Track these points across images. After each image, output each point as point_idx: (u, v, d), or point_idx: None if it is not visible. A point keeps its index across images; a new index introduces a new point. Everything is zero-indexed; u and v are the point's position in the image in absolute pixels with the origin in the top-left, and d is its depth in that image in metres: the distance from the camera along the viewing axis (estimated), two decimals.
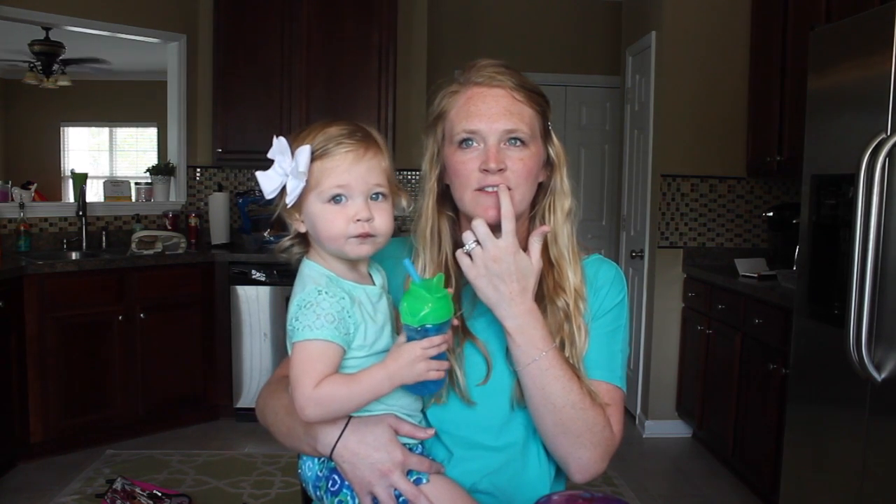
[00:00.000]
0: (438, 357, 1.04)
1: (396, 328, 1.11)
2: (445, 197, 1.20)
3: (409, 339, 1.03)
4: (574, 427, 1.11)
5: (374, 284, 1.11)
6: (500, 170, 1.11)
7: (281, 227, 1.13)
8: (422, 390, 1.08)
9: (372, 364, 1.04)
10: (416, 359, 1.01)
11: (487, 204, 1.12)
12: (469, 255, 1.10)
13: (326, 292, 1.02)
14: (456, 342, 1.14)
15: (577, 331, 1.16)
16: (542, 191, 1.21)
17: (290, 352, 1.06)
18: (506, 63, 1.17)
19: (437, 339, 1.02)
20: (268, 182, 1.04)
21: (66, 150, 9.65)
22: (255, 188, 4.38)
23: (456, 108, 1.16)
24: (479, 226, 1.08)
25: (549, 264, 1.18)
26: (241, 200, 4.44)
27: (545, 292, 1.17)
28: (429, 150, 1.20)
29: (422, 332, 1.02)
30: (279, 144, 1.03)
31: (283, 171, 1.03)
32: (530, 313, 1.10)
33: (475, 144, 1.13)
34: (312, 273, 1.07)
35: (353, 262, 1.09)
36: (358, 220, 1.04)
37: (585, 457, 1.14)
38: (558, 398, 1.10)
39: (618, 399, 1.19)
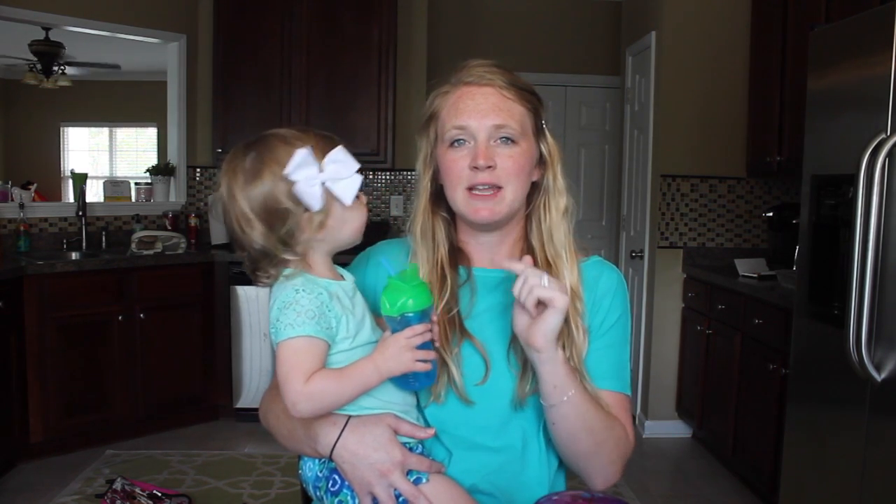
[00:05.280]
0: (425, 347, 1.05)
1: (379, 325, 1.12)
2: (440, 197, 1.21)
3: (394, 332, 1.05)
4: (607, 445, 1.14)
5: (346, 280, 1.12)
6: (489, 167, 1.12)
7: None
8: (413, 384, 1.09)
9: (358, 356, 1.05)
10: (402, 349, 1.03)
11: (478, 205, 1.13)
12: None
13: (304, 290, 1.03)
14: (454, 342, 1.15)
15: (576, 331, 1.16)
16: (536, 189, 1.21)
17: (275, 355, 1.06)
18: (497, 62, 1.18)
19: (419, 328, 1.04)
20: (314, 197, 1.02)
21: (66, 151, 9.65)
22: None
23: (447, 107, 1.17)
24: (550, 279, 1.05)
25: (546, 264, 1.18)
26: None
27: None
28: (422, 151, 1.21)
29: (403, 322, 1.03)
30: (303, 156, 1.01)
31: (317, 179, 1.02)
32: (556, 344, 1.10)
33: (466, 143, 1.14)
34: (288, 275, 1.06)
35: (328, 261, 1.10)
36: None
37: (611, 470, 1.16)
38: (595, 422, 1.11)
39: (628, 406, 1.21)
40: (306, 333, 1.01)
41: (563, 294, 1.05)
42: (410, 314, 1.03)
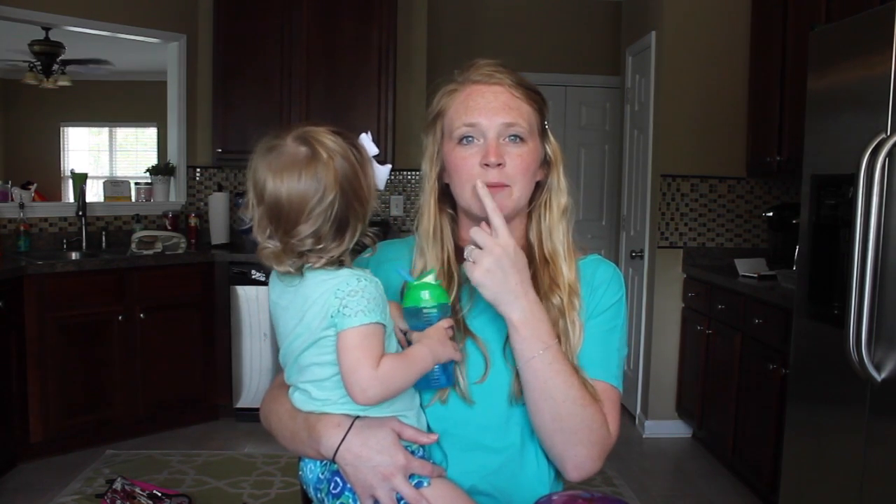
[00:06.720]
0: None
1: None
2: (445, 195, 1.22)
3: (415, 328, 1.09)
4: (572, 423, 1.11)
5: None
6: (500, 164, 1.13)
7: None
8: (434, 384, 1.12)
9: (394, 343, 1.09)
10: (445, 338, 1.09)
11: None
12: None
13: (365, 279, 1.05)
14: (457, 339, 1.15)
15: (572, 326, 1.16)
16: (539, 189, 1.22)
17: (323, 343, 1.06)
18: (503, 62, 1.20)
19: (449, 320, 1.10)
20: (384, 176, 1.12)
21: (66, 150, 9.64)
22: None
23: (455, 105, 1.18)
24: (478, 232, 1.09)
25: (544, 261, 1.20)
26: (240, 201, 4.44)
27: (541, 289, 1.17)
28: (428, 149, 1.22)
29: (430, 316, 1.08)
30: (369, 138, 1.11)
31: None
32: (536, 304, 1.11)
33: (475, 140, 1.15)
34: (332, 268, 1.07)
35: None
36: None
37: (582, 454, 1.13)
38: (559, 393, 1.09)
39: (614, 398, 1.19)
40: (376, 320, 1.03)
41: (474, 270, 1.07)
42: (432, 309, 1.08)
